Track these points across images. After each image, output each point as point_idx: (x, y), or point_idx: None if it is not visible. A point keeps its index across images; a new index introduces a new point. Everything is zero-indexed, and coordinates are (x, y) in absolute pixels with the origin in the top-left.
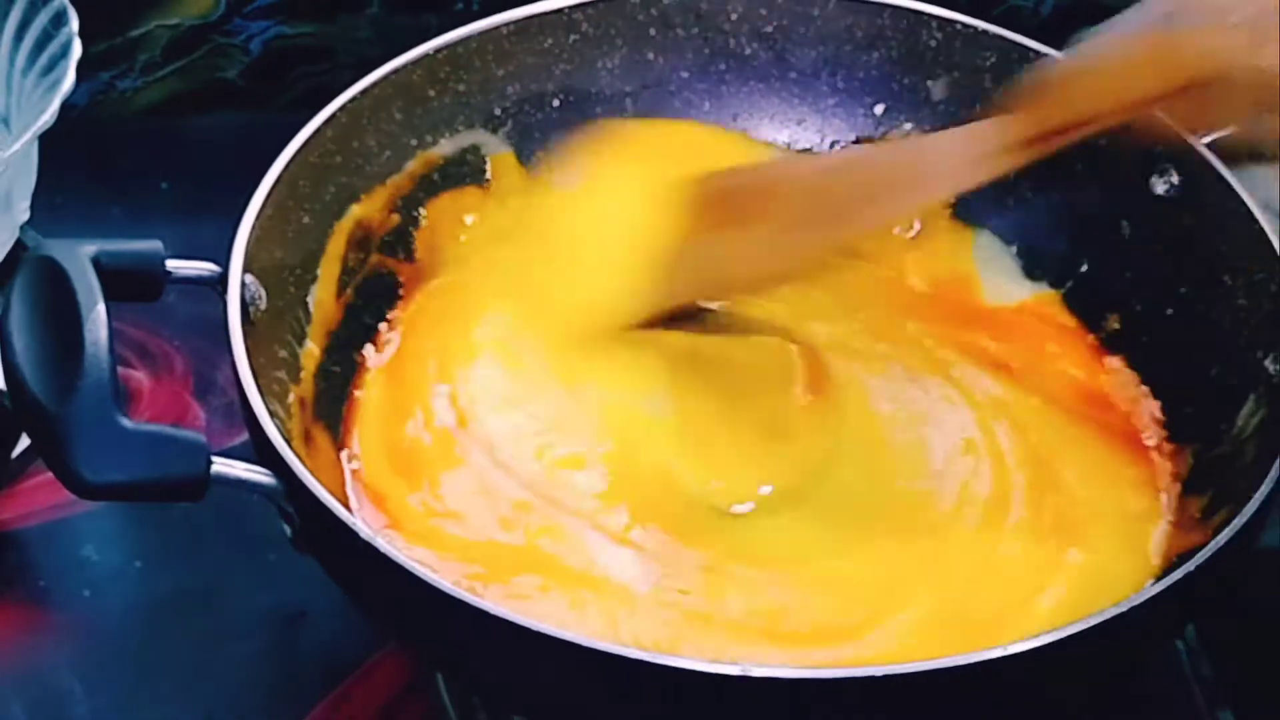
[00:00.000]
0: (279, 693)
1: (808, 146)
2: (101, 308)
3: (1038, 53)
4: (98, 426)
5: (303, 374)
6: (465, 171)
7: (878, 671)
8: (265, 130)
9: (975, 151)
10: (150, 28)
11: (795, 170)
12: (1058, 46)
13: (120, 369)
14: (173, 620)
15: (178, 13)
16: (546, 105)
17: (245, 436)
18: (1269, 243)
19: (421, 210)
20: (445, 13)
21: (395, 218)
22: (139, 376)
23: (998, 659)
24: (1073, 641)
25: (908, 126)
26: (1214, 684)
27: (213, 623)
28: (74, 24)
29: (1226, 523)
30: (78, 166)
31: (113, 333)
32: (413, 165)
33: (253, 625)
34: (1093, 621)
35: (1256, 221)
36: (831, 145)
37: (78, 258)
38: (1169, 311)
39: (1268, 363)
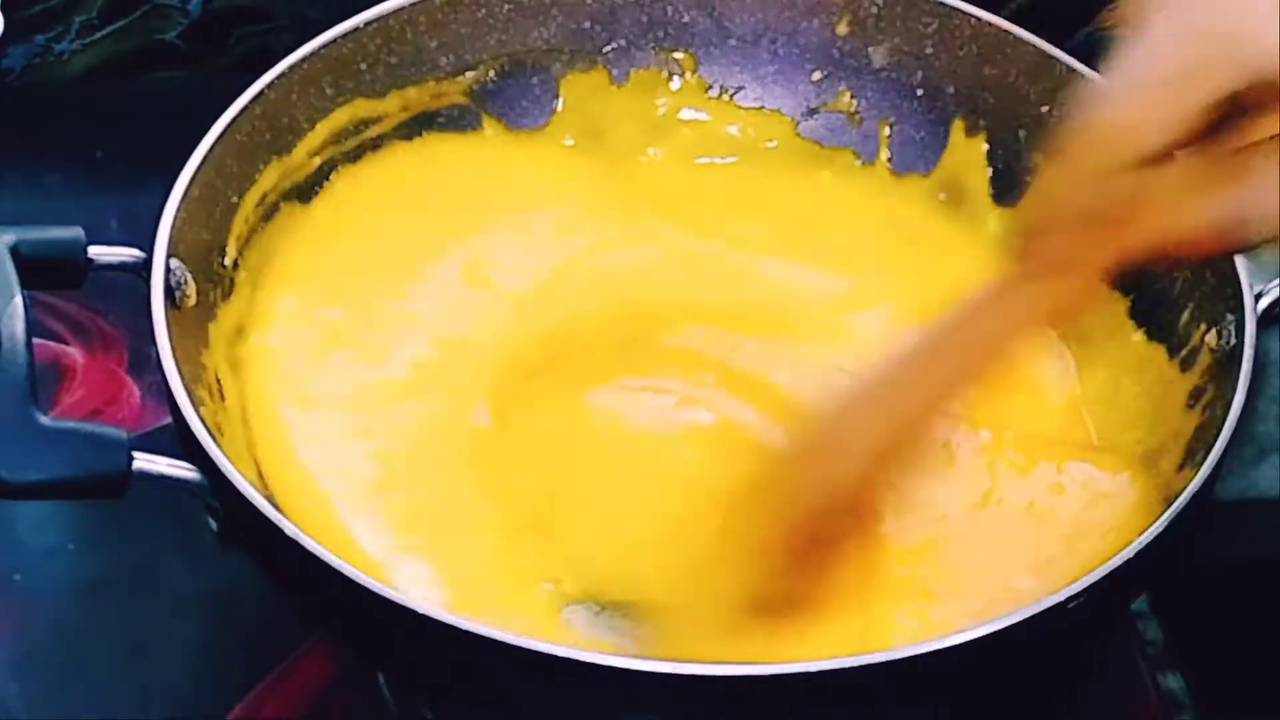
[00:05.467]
0: (214, 676)
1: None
2: (19, 299)
3: (978, 19)
4: (15, 425)
5: None
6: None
7: (825, 665)
8: (205, 94)
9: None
10: None
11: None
12: (999, 13)
13: (52, 344)
14: (106, 603)
15: None
16: (482, 76)
17: None
18: None
19: None
20: None
21: None
22: (72, 353)
23: (955, 646)
24: (1035, 620)
25: (847, 95)
26: (1162, 648)
27: (147, 605)
28: None
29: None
30: (14, 133)
31: (30, 325)
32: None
33: (188, 608)
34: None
35: None
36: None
37: None
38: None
39: (1209, 337)
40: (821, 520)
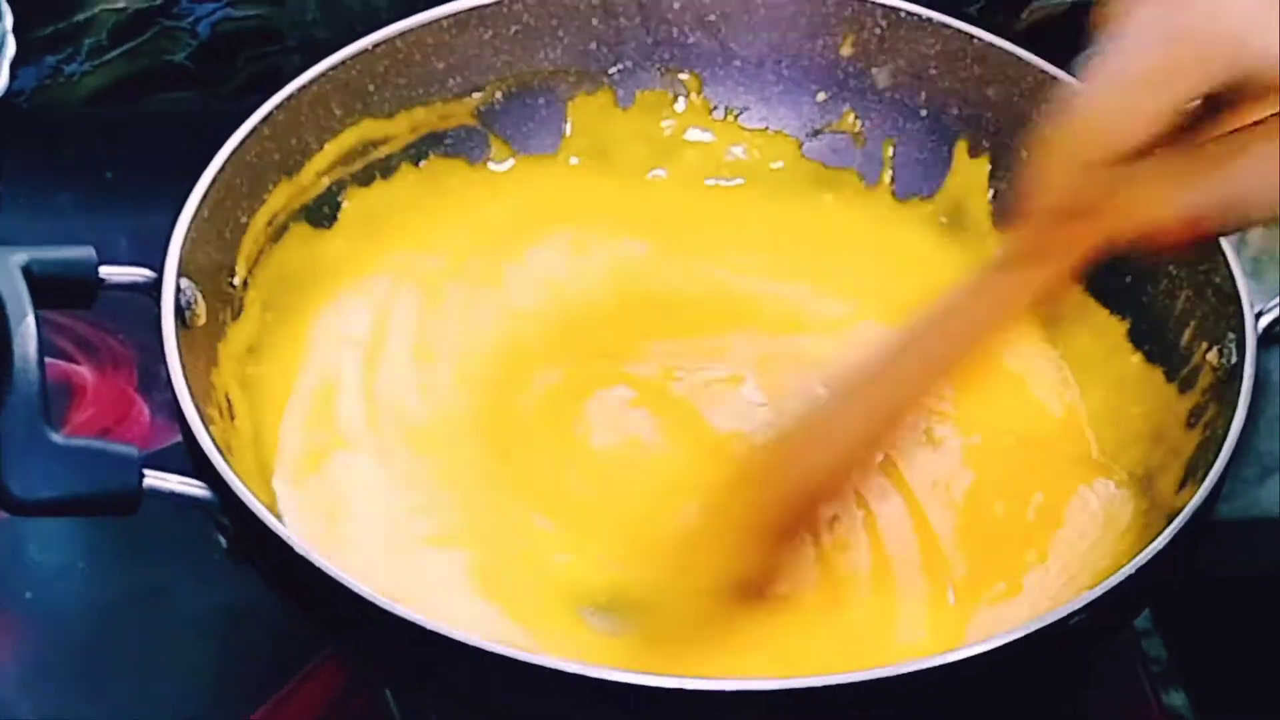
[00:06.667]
0: (224, 693)
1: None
2: (31, 319)
3: (981, 40)
4: (27, 442)
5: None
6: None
7: (822, 681)
8: (214, 115)
9: (1007, 277)
10: (96, 11)
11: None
12: (1003, 34)
13: (62, 363)
14: (117, 621)
15: None
16: (489, 97)
17: None
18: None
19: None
20: None
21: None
22: (82, 371)
23: (956, 661)
24: (1037, 637)
25: (851, 115)
26: (1165, 665)
27: (157, 623)
28: (8, 21)
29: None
30: (25, 154)
31: (43, 344)
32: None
33: (198, 625)
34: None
35: None
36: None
37: (7, 267)
38: (1115, 301)
39: (1210, 356)
40: (802, 507)
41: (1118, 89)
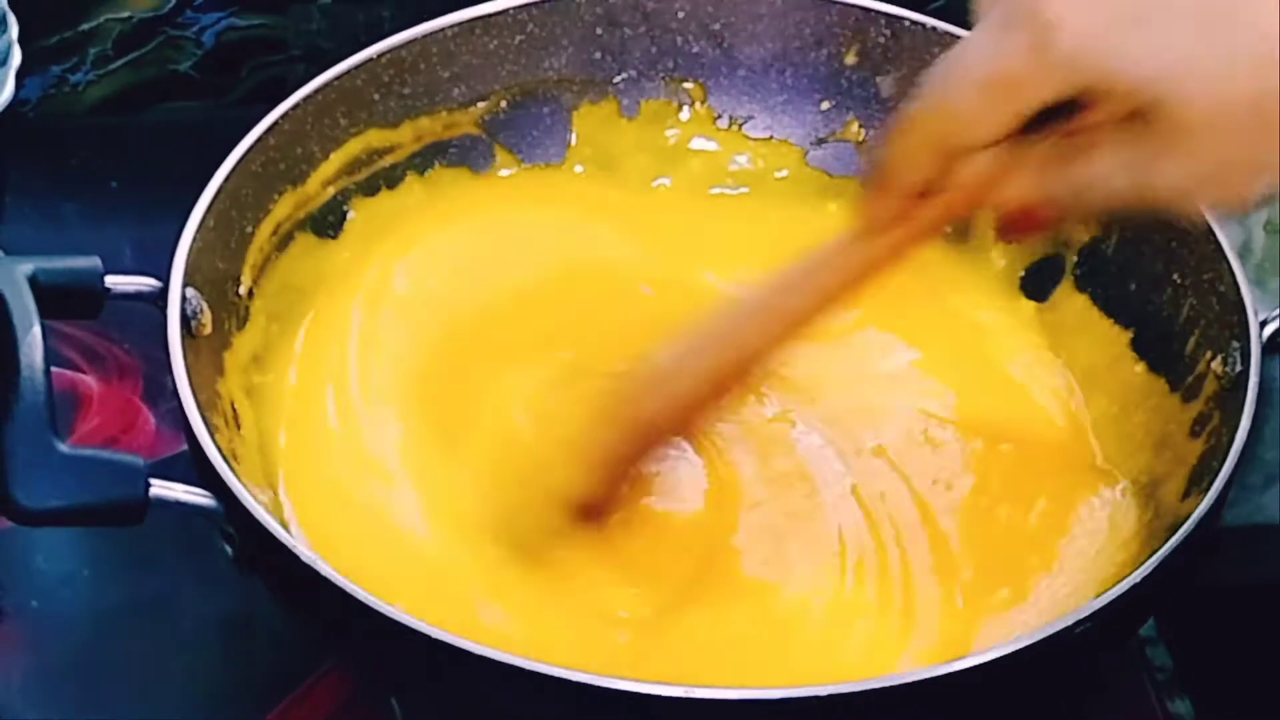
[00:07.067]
0: (228, 702)
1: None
2: (38, 329)
3: None
4: (34, 452)
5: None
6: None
7: (826, 690)
8: (219, 124)
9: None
10: (101, 20)
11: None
12: None
13: (68, 373)
14: (122, 630)
15: (129, 5)
16: (493, 106)
17: None
18: (1217, 241)
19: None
20: (398, 3)
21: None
22: (88, 381)
23: (962, 670)
24: (1043, 645)
25: (856, 124)
26: (1170, 673)
27: (162, 632)
28: (13, 31)
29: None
30: (31, 163)
31: (49, 354)
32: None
33: (202, 635)
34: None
35: (1205, 219)
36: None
37: (14, 277)
38: (1119, 309)
39: (1215, 364)
40: (639, 440)
41: (963, 94)
